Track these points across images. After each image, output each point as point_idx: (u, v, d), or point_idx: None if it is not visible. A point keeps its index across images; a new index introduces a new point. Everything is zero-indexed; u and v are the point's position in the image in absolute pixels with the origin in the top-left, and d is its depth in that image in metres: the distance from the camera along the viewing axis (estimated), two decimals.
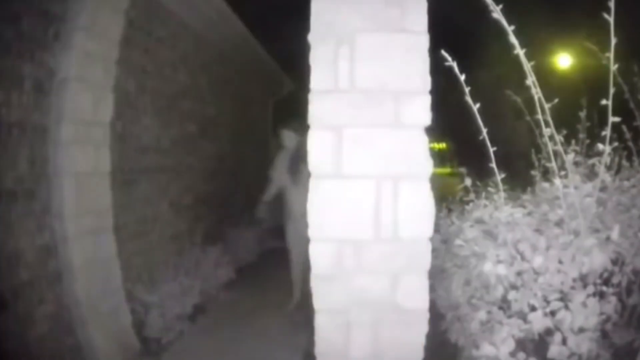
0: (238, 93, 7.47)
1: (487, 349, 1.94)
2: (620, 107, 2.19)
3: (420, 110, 1.66)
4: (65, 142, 3.13)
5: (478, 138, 2.08)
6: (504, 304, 2.12)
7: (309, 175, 3.88)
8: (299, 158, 4.18)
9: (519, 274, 2.07)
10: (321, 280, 1.70)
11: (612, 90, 1.99)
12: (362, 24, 1.65)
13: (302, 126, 4.48)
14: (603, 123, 2.09)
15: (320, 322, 1.72)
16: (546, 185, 2.56)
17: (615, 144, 2.30)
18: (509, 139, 6.48)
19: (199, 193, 5.64)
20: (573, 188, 2.16)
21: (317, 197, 1.69)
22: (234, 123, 7.14)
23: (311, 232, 1.70)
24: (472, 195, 2.63)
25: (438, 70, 1.76)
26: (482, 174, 2.59)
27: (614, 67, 1.97)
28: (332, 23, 1.66)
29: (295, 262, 4.50)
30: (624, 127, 2.31)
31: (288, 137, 4.60)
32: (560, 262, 2.00)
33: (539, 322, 1.92)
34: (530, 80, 1.99)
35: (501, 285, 2.10)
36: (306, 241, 4.36)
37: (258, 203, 4.91)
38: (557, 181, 2.13)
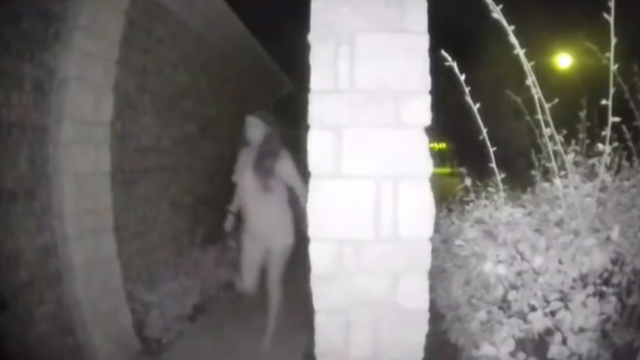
0: (238, 93, 7.48)
1: (487, 349, 1.94)
2: (620, 107, 2.19)
3: (420, 110, 1.66)
4: (65, 142, 3.13)
5: (478, 138, 2.08)
6: (504, 304, 2.13)
7: (287, 175, 3.37)
8: (267, 155, 3.45)
9: (519, 274, 2.07)
10: (321, 280, 1.70)
11: (612, 90, 1.98)
12: (362, 24, 1.65)
13: (271, 115, 3.61)
14: (603, 123, 2.09)
15: (320, 322, 1.72)
16: (546, 185, 2.55)
17: (615, 144, 2.30)
18: (509, 139, 6.48)
19: (199, 193, 5.64)
20: (573, 188, 2.16)
21: (317, 197, 1.69)
22: (234, 123, 7.13)
23: (311, 232, 1.70)
24: (472, 195, 2.63)
25: (438, 70, 1.76)
26: (482, 174, 2.59)
27: (614, 67, 1.97)
28: (332, 23, 1.66)
29: (274, 291, 3.66)
30: (624, 127, 2.31)
31: (254, 127, 3.54)
32: (560, 262, 2.00)
33: (539, 322, 1.92)
34: (530, 80, 1.99)
35: (501, 285, 2.10)
36: (278, 260, 3.57)
37: (225, 215, 3.84)
38: (557, 181, 2.13)
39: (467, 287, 2.42)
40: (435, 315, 2.57)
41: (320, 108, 1.67)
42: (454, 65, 1.85)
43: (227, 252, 3.86)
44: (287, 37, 5.98)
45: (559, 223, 2.21)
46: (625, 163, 2.58)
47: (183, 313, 4.05)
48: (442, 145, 24.78)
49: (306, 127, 1.67)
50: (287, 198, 3.52)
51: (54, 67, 3.07)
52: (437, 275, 2.77)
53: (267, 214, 3.52)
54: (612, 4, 1.82)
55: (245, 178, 3.52)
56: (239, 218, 3.75)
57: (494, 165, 2.14)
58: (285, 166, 3.46)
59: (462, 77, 1.88)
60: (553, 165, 2.16)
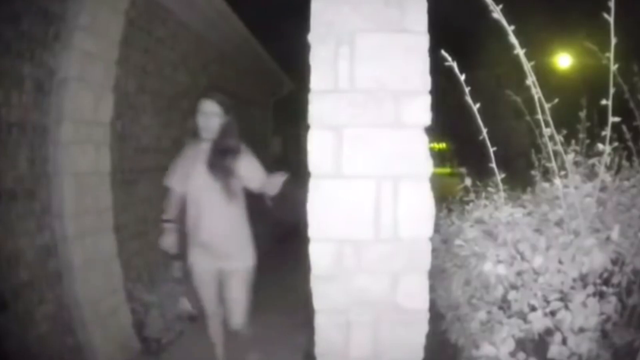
0: (238, 93, 7.48)
1: (487, 349, 1.94)
2: (620, 107, 2.19)
3: (420, 110, 1.66)
4: (65, 142, 3.14)
5: (478, 138, 2.07)
6: (504, 304, 2.12)
7: (251, 176, 2.63)
8: (227, 152, 2.74)
9: (519, 274, 2.07)
10: (321, 280, 1.70)
11: (612, 90, 1.98)
12: (362, 24, 1.65)
13: (229, 98, 2.74)
14: (603, 123, 2.09)
15: (320, 322, 1.71)
16: (546, 185, 2.55)
17: (615, 144, 2.30)
18: (509, 139, 6.49)
19: None
20: (573, 188, 2.16)
21: (317, 197, 1.69)
22: None
23: (311, 232, 1.70)
24: (472, 195, 2.63)
25: (438, 70, 1.76)
26: (482, 174, 2.59)
27: (614, 67, 1.97)
28: (332, 23, 1.66)
29: (242, 329, 2.92)
30: (624, 127, 2.31)
31: (209, 115, 2.74)
32: (560, 262, 2.00)
33: (539, 322, 1.91)
34: (530, 80, 1.99)
35: (501, 285, 2.09)
36: (239, 287, 2.74)
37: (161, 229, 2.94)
38: (557, 181, 2.13)
39: (467, 287, 2.42)
40: (435, 315, 2.57)
41: (320, 108, 1.67)
42: (454, 65, 1.85)
43: (176, 283, 3.13)
44: (287, 37, 5.98)
45: (559, 223, 2.21)
46: (625, 163, 2.58)
47: (183, 313, 4.05)
48: (442, 145, 24.79)
49: (306, 127, 1.67)
50: (245, 205, 2.86)
51: (54, 67, 3.08)
52: (437, 275, 2.77)
53: (224, 225, 2.78)
54: (612, 4, 1.82)
55: (197, 179, 2.75)
56: (184, 233, 2.89)
57: (494, 165, 2.14)
58: (246, 164, 2.77)
59: (462, 77, 1.88)
60: (553, 165, 2.16)
